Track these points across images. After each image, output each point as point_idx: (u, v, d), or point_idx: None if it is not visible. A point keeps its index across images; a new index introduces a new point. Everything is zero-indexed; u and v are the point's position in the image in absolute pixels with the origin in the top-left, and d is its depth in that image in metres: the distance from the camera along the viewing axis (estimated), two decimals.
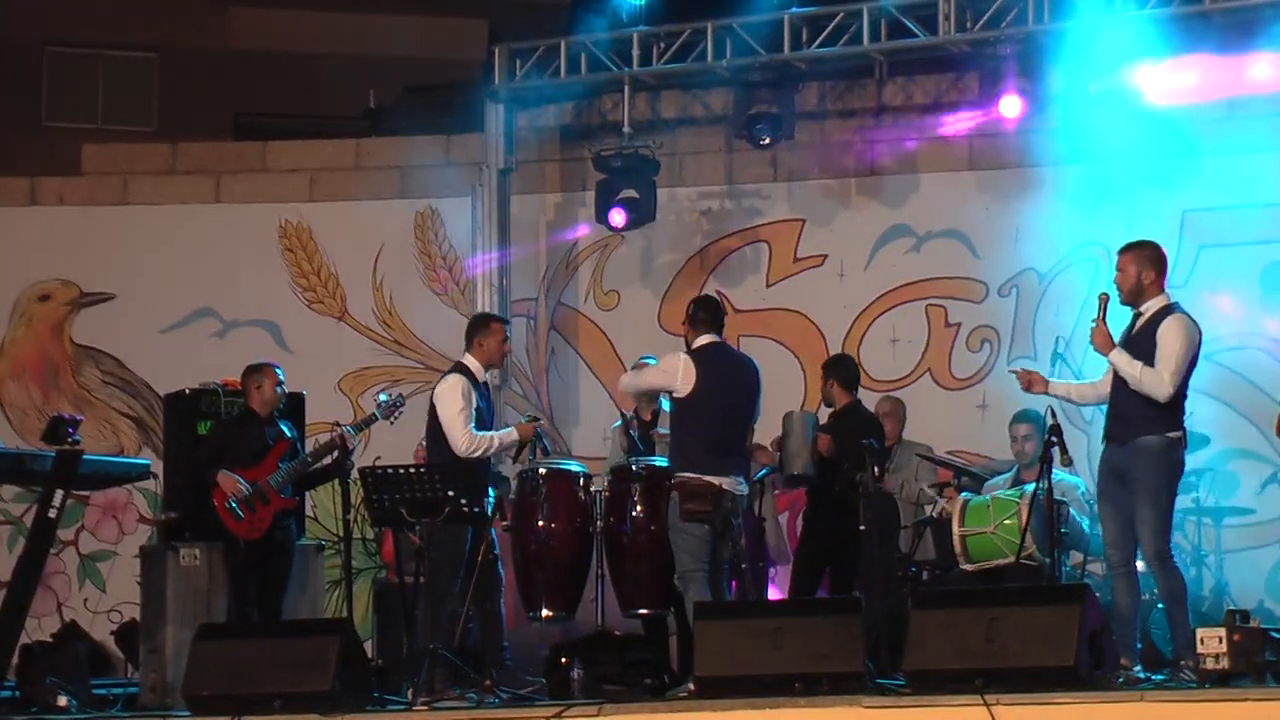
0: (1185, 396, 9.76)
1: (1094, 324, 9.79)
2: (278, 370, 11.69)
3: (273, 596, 11.44)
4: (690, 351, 10.61)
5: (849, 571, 11.40)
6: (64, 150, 16.15)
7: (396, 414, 11.75)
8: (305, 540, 12.07)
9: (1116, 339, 9.80)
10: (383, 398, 11.86)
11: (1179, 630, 9.53)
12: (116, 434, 14.62)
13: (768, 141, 13.57)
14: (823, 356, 13.05)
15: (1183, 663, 9.29)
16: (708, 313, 10.80)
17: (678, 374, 10.52)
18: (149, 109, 21.53)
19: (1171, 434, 9.69)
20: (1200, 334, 9.82)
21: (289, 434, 11.66)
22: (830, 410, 11.72)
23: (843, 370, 11.88)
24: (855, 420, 11.61)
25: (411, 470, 10.82)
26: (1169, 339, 9.67)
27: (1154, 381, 9.62)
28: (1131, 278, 9.80)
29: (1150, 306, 9.78)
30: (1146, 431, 9.64)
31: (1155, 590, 11.47)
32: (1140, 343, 9.72)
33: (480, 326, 11.29)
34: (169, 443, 12.66)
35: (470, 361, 11.09)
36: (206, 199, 14.86)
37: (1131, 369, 9.65)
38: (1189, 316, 9.85)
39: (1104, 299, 9.82)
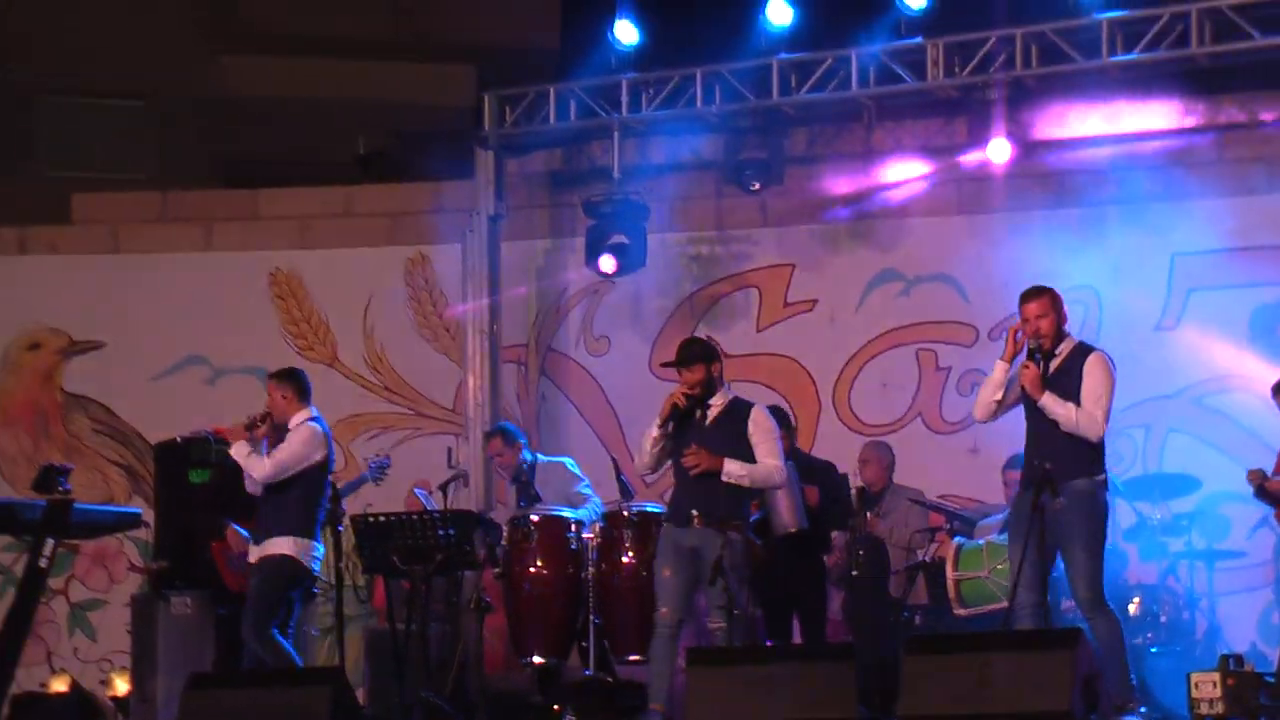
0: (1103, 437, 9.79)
1: (1025, 365, 9.76)
2: None
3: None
4: None
5: (818, 617, 11.38)
6: (54, 198, 16.13)
7: (384, 476, 11.89)
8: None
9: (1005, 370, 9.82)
10: (373, 462, 11.97)
11: (1121, 676, 9.46)
12: (107, 482, 14.60)
13: (757, 187, 13.59)
14: (814, 401, 13.06)
15: (1123, 707, 9.26)
16: None
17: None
18: (139, 156, 21.52)
19: (1098, 476, 9.72)
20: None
21: None
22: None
23: (784, 417, 11.84)
24: (814, 466, 11.64)
25: (403, 518, 10.82)
26: (1096, 378, 9.71)
27: (1089, 422, 9.63)
28: (1053, 322, 9.79)
29: (1064, 348, 9.81)
30: (1075, 475, 9.64)
31: (1148, 634, 11.53)
32: (1060, 383, 9.72)
33: None
34: (160, 491, 12.66)
35: None
36: (197, 247, 14.87)
37: (1065, 411, 9.65)
38: (1105, 353, 9.91)
39: (1022, 343, 9.79)
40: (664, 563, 10.16)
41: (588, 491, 12.07)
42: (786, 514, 10.83)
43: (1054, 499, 9.40)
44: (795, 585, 11.29)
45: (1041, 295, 9.86)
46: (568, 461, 12.36)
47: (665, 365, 10.60)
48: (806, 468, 11.49)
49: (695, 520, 10.07)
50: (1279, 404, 10.77)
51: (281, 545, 10.63)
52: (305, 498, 10.73)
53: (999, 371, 9.90)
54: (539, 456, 12.29)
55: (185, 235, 14.91)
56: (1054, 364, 9.79)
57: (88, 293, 14.75)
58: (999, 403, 9.91)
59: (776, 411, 11.10)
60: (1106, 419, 9.70)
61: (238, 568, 11.37)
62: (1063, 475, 9.58)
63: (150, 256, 14.82)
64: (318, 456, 10.76)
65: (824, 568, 10.87)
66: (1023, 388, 9.75)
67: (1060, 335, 9.83)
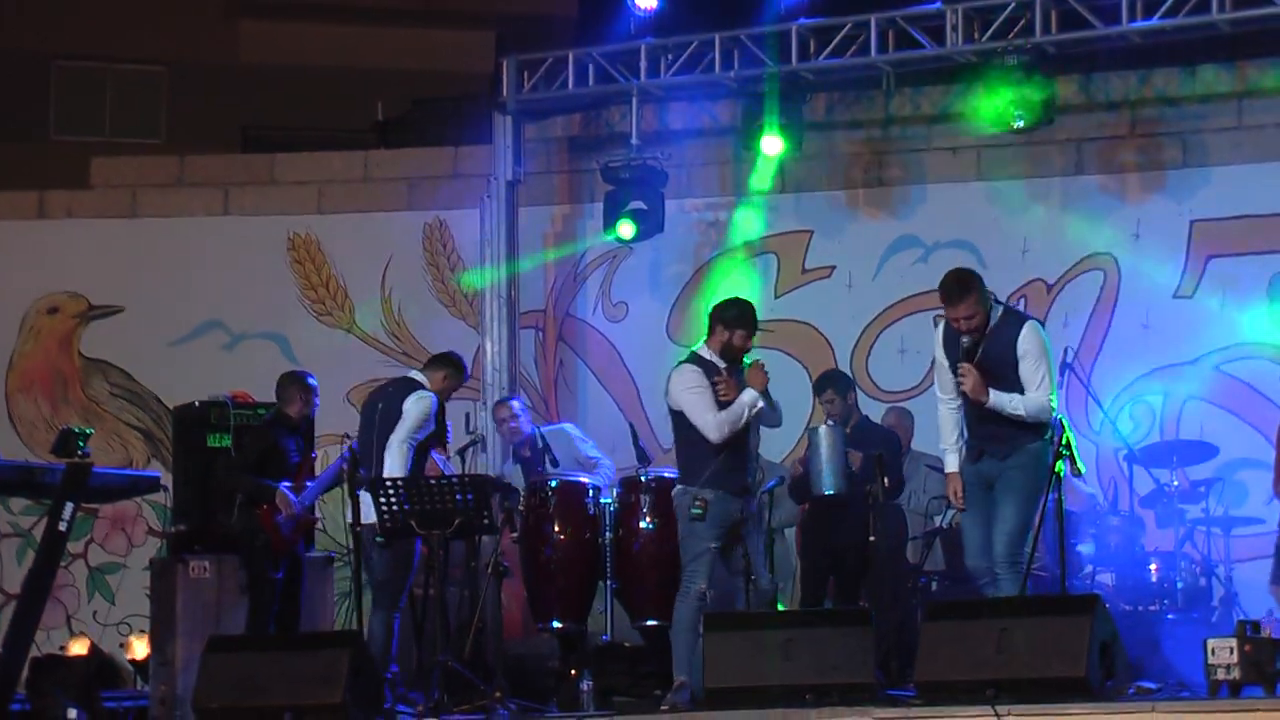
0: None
1: (964, 373, 9.67)
2: (314, 382, 11.75)
3: (292, 609, 11.48)
4: None
5: (854, 580, 11.37)
6: (72, 163, 16.16)
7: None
8: (315, 552, 12.08)
9: (946, 359, 9.76)
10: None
11: None
12: (125, 446, 14.63)
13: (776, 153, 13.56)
14: (832, 367, 13.04)
15: None
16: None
17: None
18: (157, 122, 21.55)
19: (1046, 434, 9.72)
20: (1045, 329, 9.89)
21: (312, 453, 11.72)
22: (845, 425, 11.56)
23: (848, 383, 11.84)
24: (875, 432, 11.61)
25: (421, 482, 10.85)
26: (1033, 357, 9.66)
27: (1037, 408, 9.64)
28: (981, 317, 9.70)
29: (992, 320, 9.74)
30: (1027, 439, 9.66)
31: (1165, 600, 11.53)
32: (993, 355, 9.66)
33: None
34: (178, 455, 12.68)
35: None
36: (215, 212, 14.87)
37: (1014, 406, 9.62)
38: (1034, 319, 9.89)
39: (968, 344, 9.70)
40: (714, 535, 10.15)
41: (596, 454, 12.10)
42: (826, 475, 10.78)
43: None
44: (837, 549, 11.28)
45: (966, 295, 9.69)
46: (568, 427, 12.39)
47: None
48: (866, 432, 11.47)
49: (746, 490, 10.12)
50: None
51: None
52: None
53: (945, 416, 9.85)
54: (538, 428, 12.33)
55: (203, 200, 14.91)
56: (983, 342, 9.72)
57: (106, 257, 14.77)
58: (955, 415, 9.84)
59: (838, 375, 11.03)
60: (1055, 392, 9.70)
61: (286, 531, 11.40)
62: (1016, 443, 9.60)
63: (168, 221, 14.83)
64: None
65: (866, 531, 10.79)
66: (964, 395, 9.69)
67: (988, 318, 9.74)
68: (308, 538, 11.83)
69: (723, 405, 10.10)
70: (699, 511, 10.05)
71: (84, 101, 21.42)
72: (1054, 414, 9.71)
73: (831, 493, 10.76)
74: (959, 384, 9.67)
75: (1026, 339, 9.66)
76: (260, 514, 11.41)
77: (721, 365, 10.24)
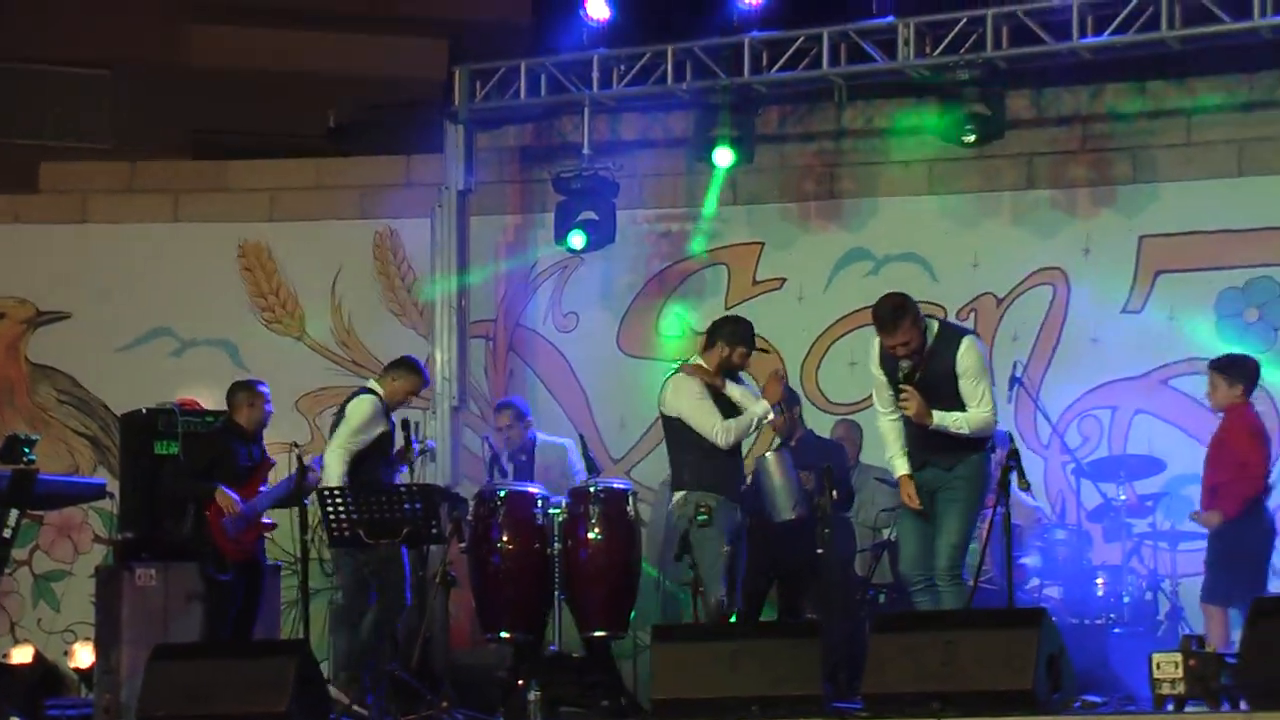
0: None
1: (906, 397, 9.70)
2: (264, 388, 11.69)
3: (248, 618, 11.43)
4: None
5: (801, 593, 11.38)
6: (19, 167, 16.04)
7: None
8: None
9: (883, 375, 9.81)
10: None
11: None
12: (72, 453, 14.54)
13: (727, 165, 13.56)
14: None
15: None
16: None
17: None
18: (105, 126, 21.42)
19: (989, 446, 9.84)
20: (983, 342, 9.99)
21: (269, 459, 11.67)
22: (789, 440, 11.59)
23: (793, 398, 11.85)
24: (820, 445, 11.63)
25: (369, 491, 10.82)
26: (973, 374, 9.71)
27: (982, 423, 9.72)
28: (918, 340, 9.74)
29: (930, 338, 9.79)
30: (971, 450, 9.74)
31: (1111, 614, 11.58)
32: (934, 374, 9.71)
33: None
34: (125, 462, 12.63)
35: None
36: (165, 218, 14.81)
37: (959, 425, 9.70)
38: (972, 333, 9.95)
39: (907, 368, 9.73)
40: (725, 539, 10.22)
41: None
42: (782, 502, 10.80)
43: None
44: (784, 561, 11.27)
45: (901, 321, 9.70)
46: (569, 444, 12.38)
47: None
48: (811, 446, 11.49)
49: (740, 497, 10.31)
50: (1220, 382, 10.66)
51: None
52: None
53: (887, 427, 9.88)
54: (539, 435, 12.34)
55: (153, 206, 14.85)
56: (923, 362, 9.76)
57: (54, 262, 14.69)
58: (897, 426, 9.85)
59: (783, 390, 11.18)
60: (994, 406, 9.78)
61: (233, 532, 11.33)
62: (960, 454, 9.65)
63: (118, 227, 14.76)
64: None
65: (814, 544, 10.83)
66: (906, 419, 9.73)
67: (925, 337, 9.77)
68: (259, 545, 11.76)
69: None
70: (705, 517, 10.17)
71: (30, 105, 21.29)
72: (994, 427, 9.77)
73: (792, 518, 10.78)
74: (902, 407, 9.72)
75: (965, 356, 9.72)
76: (208, 519, 11.36)
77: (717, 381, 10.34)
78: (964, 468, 9.69)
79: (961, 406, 9.68)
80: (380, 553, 10.86)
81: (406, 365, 11.58)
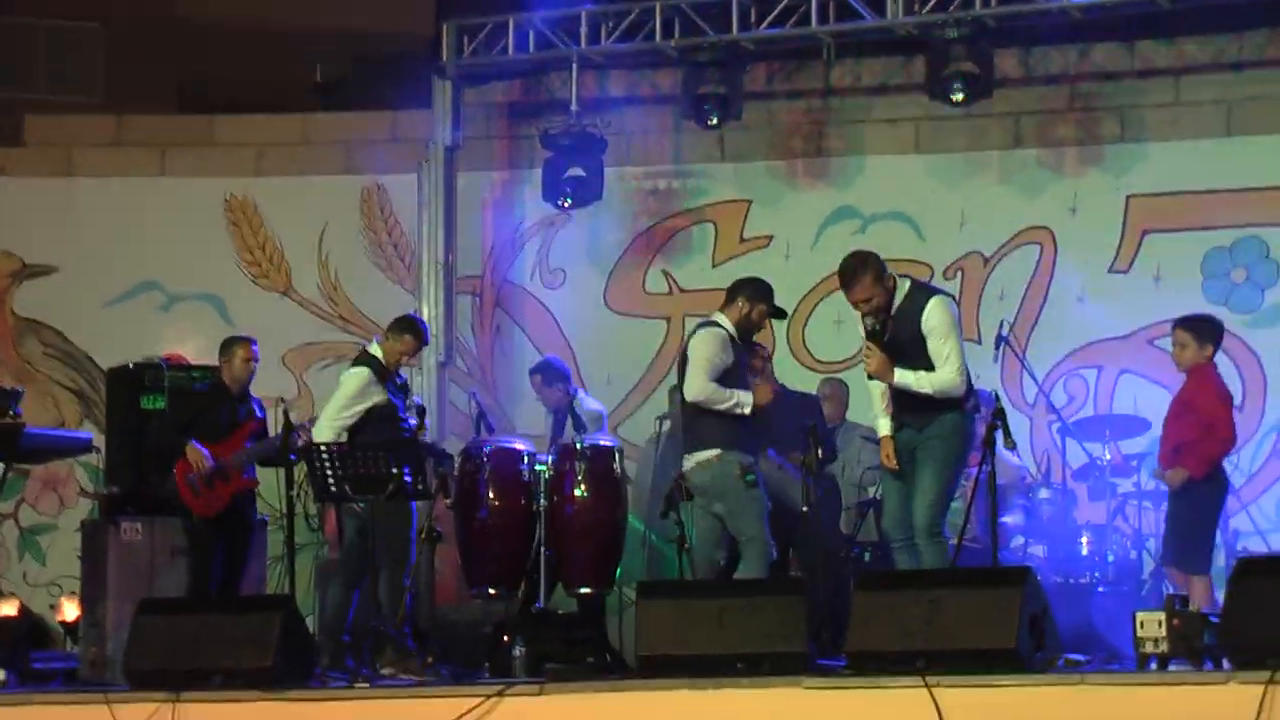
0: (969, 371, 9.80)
1: (867, 353, 9.71)
2: (253, 345, 11.63)
3: (234, 574, 11.43)
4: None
5: (783, 547, 11.41)
6: (5, 120, 16.00)
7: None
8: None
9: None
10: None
11: None
12: (58, 407, 14.54)
13: (715, 122, 13.52)
14: (768, 337, 13.05)
15: None
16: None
17: None
18: (93, 79, 21.35)
19: (967, 406, 9.78)
20: (955, 302, 9.93)
21: (259, 414, 11.63)
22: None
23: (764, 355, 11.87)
24: (793, 399, 11.65)
25: (354, 448, 10.82)
26: (940, 334, 9.65)
27: (944, 384, 9.65)
28: (882, 297, 9.72)
29: (898, 297, 9.76)
30: (944, 410, 9.71)
31: (1095, 573, 11.62)
32: (901, 333, 9.70)
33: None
34: (111, 416, 12.62)
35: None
36: (151, 172, 14.79)
37: (920, 383, 9.66)
38: (942, 293, 9.89)
39: (870, 324, 9.72)
40: (767, 497, 10.33)
41: (596, 405, 12.20)
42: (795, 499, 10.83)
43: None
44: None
45: (862, 275, 9.68)
46: (605, 415, 12.42)
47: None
48: (784, 400, 11.48)
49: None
50: (1189, 341, 10.61)
51: None
52: None
53: (873, 387, 9.90)
54: (580, 396, 12.36)
55: (140, 160, 14.82)
56: (890, 321, 9.75)
57: (40, 216, 14.67)
58: (882, 389, 9.86)
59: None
60: (964, 368, 9.68)
61: (196, 488, 11.32)
62: (934, 414, 9.66)
63: (104, 180, 14.74)
64: None
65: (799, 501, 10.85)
66: (869, 375, 9.76)
67: (891, 295, 9.76)
68: (243, 503, 11.74)
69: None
70: (753, 477, 10.21)
71: (18, 58, 21.21)
72: (960, 388, 9.69)
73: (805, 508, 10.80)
74: (864, 363, 9.74)
75: (931, 315, 9.69)
76: (176, 473, 11.36)
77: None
78: (937, 427, 9.70)
79: (931, 367, 9.68)
80: (387, 508, 10.82)
81: (402, 324, 11.49)
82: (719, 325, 10.39)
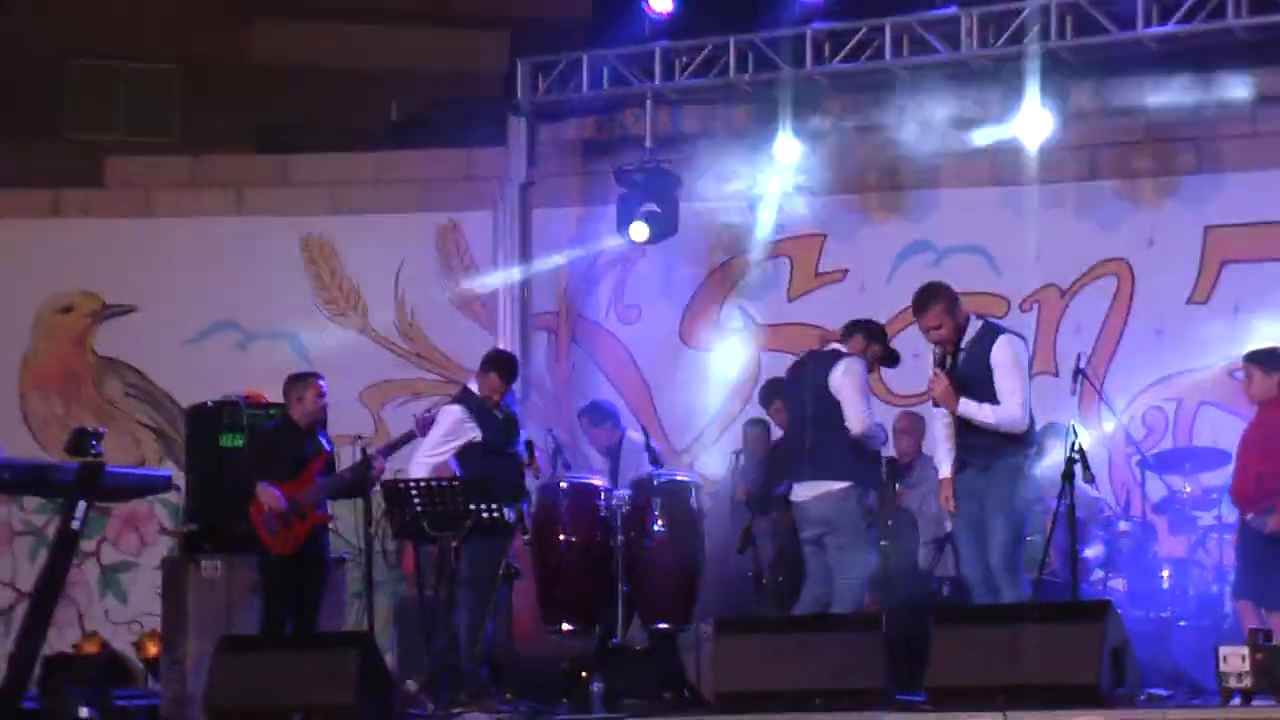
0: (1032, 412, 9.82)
1: (933, 379, 9.74)
2: (321, 382, 11.65)
3: (308, 610, 11.44)
4: None
5: None
6: (86, 162, 16.17)
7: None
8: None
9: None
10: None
11: None
12: (139, 445, 14.64)
13: (789, 157, 13.52)
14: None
15: None
16: None
17: None
18: (171, 121, 21.57)
19: (1028, 449, 9.82)
20: (1026, 343, 9.95)
21: (327, 447, 11.66)
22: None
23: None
24: None
25: (433, 484, 10.84)
26: (1006, 369, 9.71)
27: (1008, 419, 9.70)
28: (952, 324, 9.78)
29: (969, 333, 9.83)
30: (1006, 453, 9.74)
31: (1176, 608, 11.52)
32: (969, 370, 9.72)
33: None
34: (191, 455, 12.70)
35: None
36: (228, 212, 14.90)
37: (983, 415, 9.71)
38: (1013, 333, 9.92)
39: (938, 353, 9.79)
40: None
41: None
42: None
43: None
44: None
45: (934, 304, 9.80)
46: (631, 434, 12.45)
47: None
48: None
49: None
50: (1256, 373, 10.58)
51: None
52: None
53: (939, 427, 9.91)
54: (628, 433, 12.39)
55: (216, 200, 14.93)
56: (960, 354, 9.79)
57: (120, 256, 14.79)
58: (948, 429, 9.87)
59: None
60: (1026, 407, 9.74)
61: (272, 527, 11.37)
62: (994, 456, 9.64)
63: (182, 221, 14.85)
64: None
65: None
66: (934, 402, 9.76)
67: (962, 329, 9.79)
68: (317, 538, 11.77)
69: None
70: (874, 518, 10.23)
71: (98, 100, 21.44)
72: (1022, 423, 9.71)
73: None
74: (930, 391, 9.74)
75: (999, 351, 9.75)
76: (251, 515, 11.40)
77: None
78: (999, 471, 9.69)
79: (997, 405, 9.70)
80: (482, 545, 10.83)
81: (486, 362, 11.53)
82: (853, 356, 10.36)
